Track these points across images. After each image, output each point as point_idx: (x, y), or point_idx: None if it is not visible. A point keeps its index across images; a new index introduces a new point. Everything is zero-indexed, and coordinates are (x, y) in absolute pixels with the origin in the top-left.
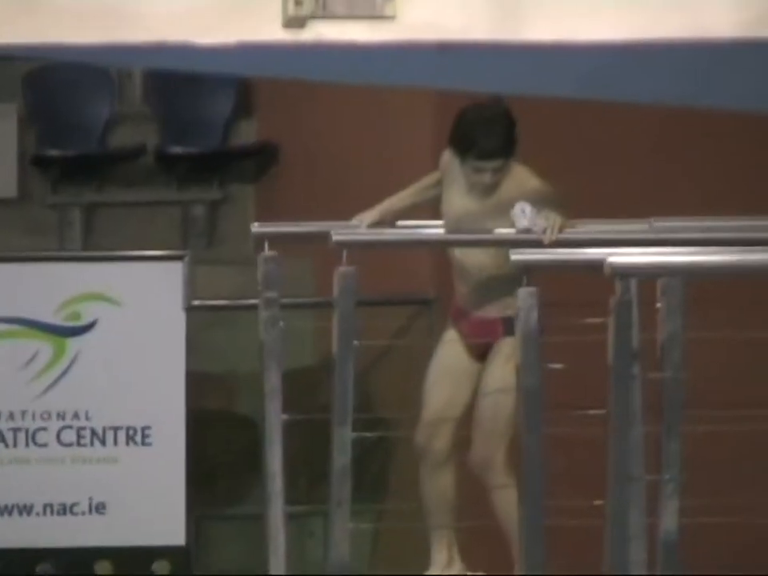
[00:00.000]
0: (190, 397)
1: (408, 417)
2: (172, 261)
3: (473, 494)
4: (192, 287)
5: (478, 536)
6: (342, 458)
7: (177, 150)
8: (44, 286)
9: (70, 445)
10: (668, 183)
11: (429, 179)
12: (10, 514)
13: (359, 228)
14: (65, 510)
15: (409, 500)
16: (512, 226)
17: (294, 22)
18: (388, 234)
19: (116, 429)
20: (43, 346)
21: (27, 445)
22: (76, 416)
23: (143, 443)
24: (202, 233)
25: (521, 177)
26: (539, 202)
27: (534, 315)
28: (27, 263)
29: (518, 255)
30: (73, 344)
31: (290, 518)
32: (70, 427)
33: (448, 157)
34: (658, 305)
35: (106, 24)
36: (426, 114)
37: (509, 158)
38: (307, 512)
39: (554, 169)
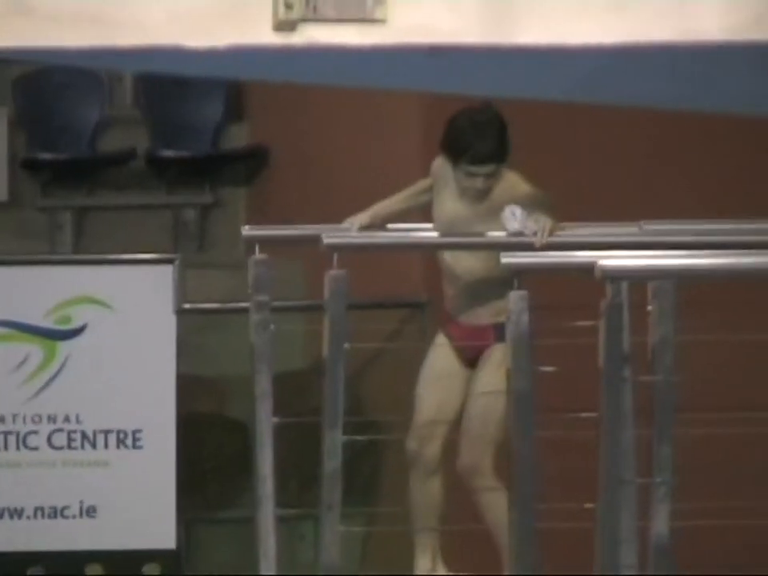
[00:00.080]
0: (180, 400)
1: (399, 420)
2: (163, 264)
3: (459, 501)
4: (183, 290)
5: (466, 542)
6: (332, 461)
7: (168, 153)
8: (35, 289)
9: (60, 448)
10: (660, 186)
11: (420, 185)
12: (0, 517)
13: (350, 231)
14: (56, 513)
15: (399, 503)
16: (503, 230)
17: (284, 26)
18: (379, 237)
19: (107, 432)
20: (34, 350)
21: (18, 448)
22: (67, 419)
23: (134, 446)
24: (192, 236)
25: (512, 182)
26: (530, 206)
27: (525, 318)
28: (18, 266)
29: (508, 258)
30: (63, 347)
31: (281, 521)
32: (61, 430)
33: (439, 163)
34: (649, 308)
35: (96, 28)
36: (416, 117)
37: (501, 163)
38: (298, 515)
39: (545, 172)
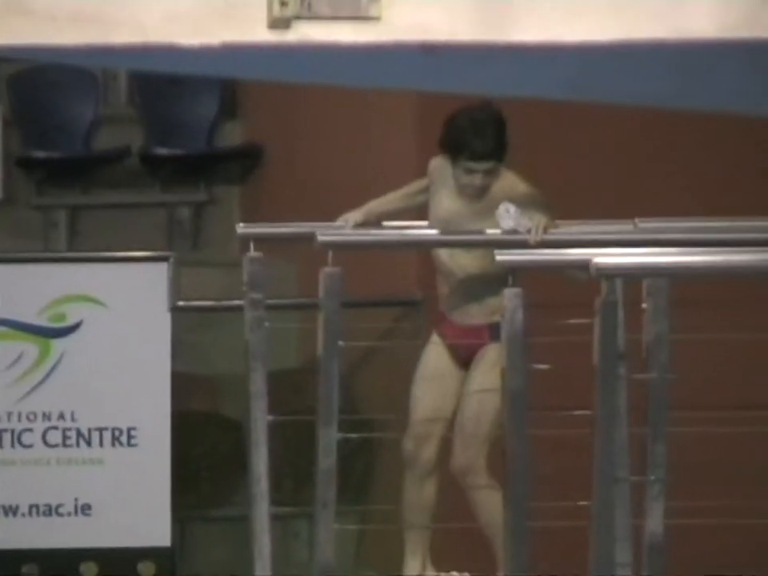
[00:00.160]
0: (175, 398)
1: (394, 418)
2: (157, 262)
3: (453, 501)
4: (177, 288)
5: (459, 542)
6: (327, 459)
7: (162, 151)
8: (29, 287)
9: (55, 446)
10: (655, 184)
11: (416, 185)
12: None
13: (344, 229)
14: (50, 511)
15: (394, 502)
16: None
17: (279, 23)
18: (374, 234)
19: (101, 430)
20: (28, 347)
21: (13, 446)
22: (61, 417)
23: (129, 444)
24: (187, 234)
25: (510, 181)
26: (526, 204)
27: (520, 316)
28: (12, 264)
29: (503, 256)
30: (58, 345)
31: (275, 519)
32: (56, 428)
33: (437, 163)
34: (644, 305)
35: (91, 26)
36: (411, 115)
37: (500, 161)
38: (292, 513)
39: (540, 169)
